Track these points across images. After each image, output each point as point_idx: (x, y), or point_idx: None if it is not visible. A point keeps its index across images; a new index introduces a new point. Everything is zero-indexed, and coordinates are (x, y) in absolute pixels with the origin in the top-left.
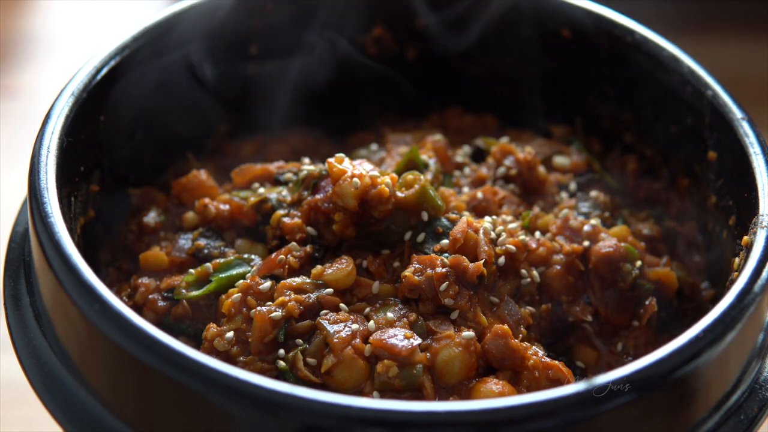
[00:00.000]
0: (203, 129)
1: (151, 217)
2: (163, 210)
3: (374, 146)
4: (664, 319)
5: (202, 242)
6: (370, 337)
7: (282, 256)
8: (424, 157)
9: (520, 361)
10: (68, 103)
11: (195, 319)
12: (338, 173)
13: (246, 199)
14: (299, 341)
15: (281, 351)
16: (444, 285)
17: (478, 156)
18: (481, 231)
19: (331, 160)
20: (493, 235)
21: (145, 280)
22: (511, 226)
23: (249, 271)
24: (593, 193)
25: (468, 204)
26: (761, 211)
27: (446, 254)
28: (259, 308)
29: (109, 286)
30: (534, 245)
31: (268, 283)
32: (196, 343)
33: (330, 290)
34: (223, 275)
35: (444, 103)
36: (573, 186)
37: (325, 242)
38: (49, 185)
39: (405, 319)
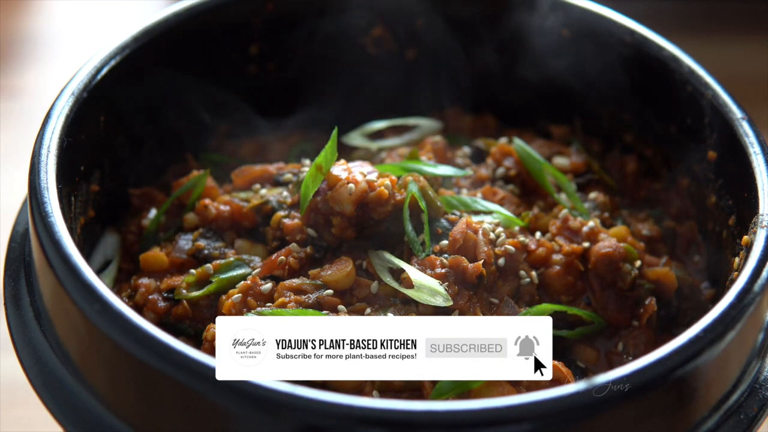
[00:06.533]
0: (203, 129)
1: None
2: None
3: (374, 147)
4: (664, 319)
5: (202, 243)
6: None
7: (282, 257)
8: (423, 158)
9: None
10: (68, 103)
11: (195, 320)
12: (334, 179)
13: (247, 200)
14: None
15: None
16: (443, 285)
17: (478, 156)
18: (480, 231)
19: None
20: (492, 235)
21: (145, 280)
22: None
23: (249, 273)
24: (593, 194)
25: None
26: (761, 210)
27: (446, 255)
28: (259, 309)
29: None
30: (533, 246)
31: (269, 285)
32: (196, 343)
33: (330, 291)
34: (224, 276)
35: (444, 103)
36: (572, 186)
37: (325, 243)
38: (50, 185)
39: None
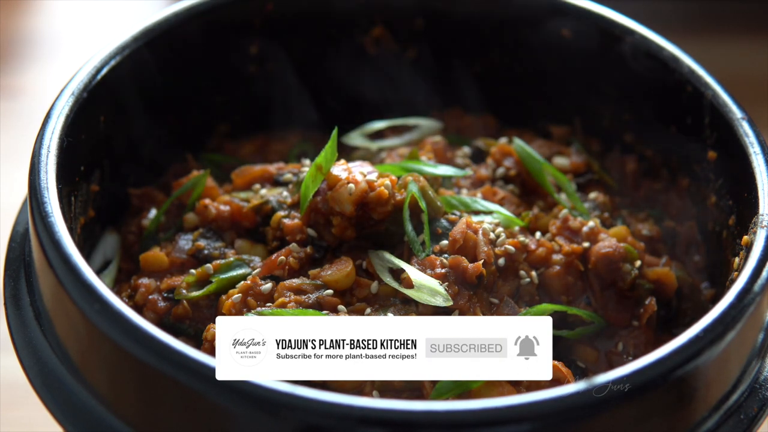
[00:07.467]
0: (203, 129)
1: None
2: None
3: (375, 147)
4: (664, 319)
5: (202, 243)
6: None
7: (282, 257)
8: (423, 158)
9: None
10: (68, 103)
11: (195, 320)
12: (334, 179)
13: (247, 200)
14: None
15: None
16: (443, 285)
17: (478, 156)
18: (480, 231)
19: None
20: (492, 235)
21: (145, 280)
22: None
23: (249, 273)
24: (593, 194)
25: None
26: (761, 210)
27: (446, 255)
28: (259, 309)
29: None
30: (533, 246)
31: (269, 285)
32: (196, 343)
33: (330, 291)
34: (224, 276)
35: (444, 103)
36: (573, 186)
37: (325, 243)
38: (50, 185)
39: None
